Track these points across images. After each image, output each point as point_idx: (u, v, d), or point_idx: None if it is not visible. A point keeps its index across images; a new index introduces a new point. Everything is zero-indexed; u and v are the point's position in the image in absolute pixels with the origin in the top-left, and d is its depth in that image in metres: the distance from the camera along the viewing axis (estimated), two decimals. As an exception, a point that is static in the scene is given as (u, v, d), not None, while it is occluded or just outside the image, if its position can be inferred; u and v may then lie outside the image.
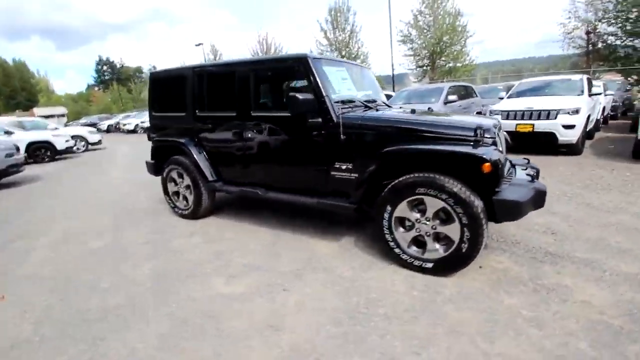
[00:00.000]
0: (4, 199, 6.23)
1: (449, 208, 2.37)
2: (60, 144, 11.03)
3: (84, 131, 14.19)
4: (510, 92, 8.14)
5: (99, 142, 14.42)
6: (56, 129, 12.22)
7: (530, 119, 6.62)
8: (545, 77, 9.05)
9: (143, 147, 14.00)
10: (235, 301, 2.42)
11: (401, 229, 2.67)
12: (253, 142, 3.46)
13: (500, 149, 2.64)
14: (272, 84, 4.06)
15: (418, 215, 2.56)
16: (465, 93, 9.60)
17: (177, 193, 4.30)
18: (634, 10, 15.07)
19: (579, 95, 7.01)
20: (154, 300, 2.50)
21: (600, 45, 17.70)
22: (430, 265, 2.55)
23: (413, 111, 3.03)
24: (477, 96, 10.26)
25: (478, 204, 2.31)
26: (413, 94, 9.42)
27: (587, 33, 18.11)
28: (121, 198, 5.62)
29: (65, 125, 27.18)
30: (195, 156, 3.86)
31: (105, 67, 58.38)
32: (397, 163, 2.64)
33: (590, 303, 2.18)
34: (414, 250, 2.64)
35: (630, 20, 15.37)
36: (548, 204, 2.84)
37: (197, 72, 3.82)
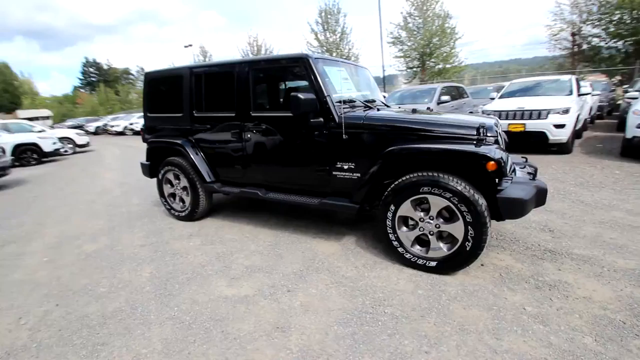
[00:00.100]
0: (-10, 203, 6.04)
1: (453, 207, 2.38)
2: (47, 147, 10.77)
3: (71, 133, 13.90)
4: (501, 93, 8.27)
5: (87, 144, 14.15)
6: (42, 131, 11.91)
7: (522, 118, 6.73)
8: (535, 77, 9.22)
9: (132, 149, 13.91)
10: (239, 303, 2.38)
11: (404, 228, 2.68)
12: (253, 143, 3.43)
13: (502, 147, 2.67)
14: (273, 84, 4.03)
15: (422, 214, 2.56)
16: (457, 94, 9.71)
17: (173, 195, 4.23)
18: (617, 12, 15.51)
19: (568, 95, 7.16)
20: (156, 304, 2.45)
21: (585, 46, 18.11)
22: (434, 263, 2.56)
23: (414, 111, 3.04)
24: (468, 97, 10.39)
25: (482, 202, 2.33)
26: (406, 95, 9.49)
27: (573, 35, 18.50)
28: (113, 201, 5.51)
29: (51, 127, 26.57)
30: (192, 157, 3.81)
31: (91, 69, 57.21)
32: (400, 162, 2.65)
33: (592, 299, 2.22)
34: (417, 249, 2.65)
35: (614, 22, 15.82)
36: (544, 201, 2.89)
37: (194, 72, 3.77)
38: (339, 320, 2.13)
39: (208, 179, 3.80)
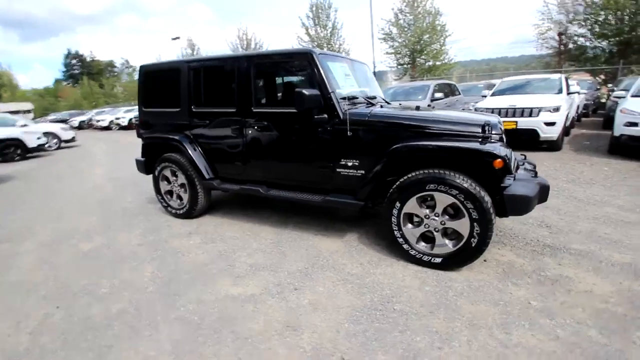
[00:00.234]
0: (-26, 201, 5.82)
1: (459, 203, 2.41)
2: (31, 142, 10.42)
3: (56, 128, 13.46)
4: (493, 90, 8.39)
5: (73, 139, 13.75)
6: (26, 125, 11.52)
7: (513, 116, 6.84)
8: (526, 76, 9.38)
9: (120, 144, 13.62)
10: (247, 302, 2.36)
11: (410, 225, 2.70)
12: (254, 139, 3.38)
13: (506, 145, 2.70)
14: (275, 79, 3.97)
15: (427, 211, 2.58)
16: (449, 91, 9.81)
17: (170, 192, 4.16)
18: (602, 13, 15.88)
19: (558, 93, 7.31)
20: (161, 304, 2.40)
21: (571, 46, 18.51)
22: (439, 260, 2.59)
23: (417, 108, 3.05)
24: (460, 94, 10.51)
25: (488, 199, 2.36)
26: (399, 92, 9.54)
27: (560, 34, 18.89)
28: (106, 198, 5.38)
29: (33, 121, 25.72)
30: (190, 153, 3.74)
31: (74, 61, 55.48)
32: (405, 159, 2.66)
33: (593, 292, 2.28)
34: (422, 245, 2.67)
35: (599, 23, 16.20)
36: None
37: (193, 66, 3.69)
38: (349, 318, 2.14)
39: (207, 176, 3.74)
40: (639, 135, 5.61)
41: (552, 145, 6.82)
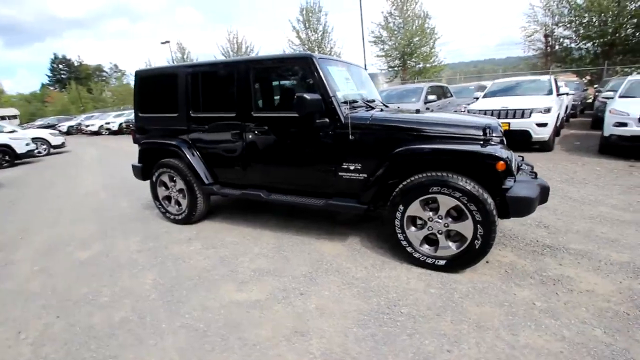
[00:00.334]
0: (-38, 209, 5.67)
1: (462, 206, 2.43)
2: (20, 148, 10.21)
3: (45, 133, 13.21)
4: (484, 92, 8.51)
5: (63, 144, 13.50)
6: (14, 131, 11.28)
7: (506, 117, 6.94)
8: (516, 77, 9.54)
9: (111, 149, 13.41)
10: (252, 308, 2.34)
11: (413, 228, 2.71)
12: (255, 144, 3.37)
13: (506, 147, 2.74)
14: (275, 84, 3.95)
15: (430, 214, 2.60)
16: (442, 93, 9.92)
17: (168, 198, 4.11)
18: (586, 15, 16.28)
19: (548, 94, 7.46)
20: (165, 312, 2.37)
21: (557, 47, 18.92)
22: (442, 262, 2.61)
23: (417, 111, 3.08)
24: (452, 96, 10.63)
25: (490, 201, 2.39)
26: (393, 94, 9.60)
27: (546, 36, 19.31)
28: (100, 204, 5.29)
29: (20, 127, 25.21)
30: (189, 158, 3.70)
31: (61, 65, 54.71)
32: (408, 162, 2.67)
33: (595, 292, 2.32)
34: (426, 248, 2.69)
35: (583, 25, 16.59)
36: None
37: (191, 71, 3.66)
38: (357, 322, 2.14)
39: (206, 181, 3.71)
40: (628, 135, 5.75)
41: (544, 146, 6.94)
